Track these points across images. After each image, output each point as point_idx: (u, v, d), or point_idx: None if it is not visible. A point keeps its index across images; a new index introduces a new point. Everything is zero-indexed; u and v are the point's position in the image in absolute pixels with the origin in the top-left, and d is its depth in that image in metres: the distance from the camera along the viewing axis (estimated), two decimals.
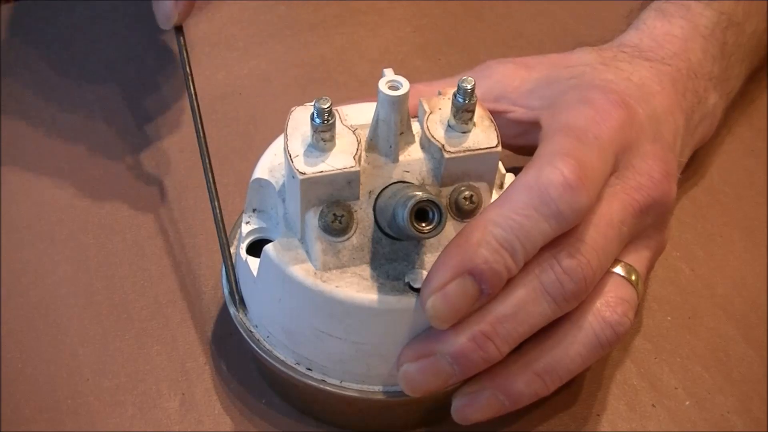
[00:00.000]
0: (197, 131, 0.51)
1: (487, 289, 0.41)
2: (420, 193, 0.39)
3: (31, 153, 0.60)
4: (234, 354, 0.50)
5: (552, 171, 0.42)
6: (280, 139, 0.47)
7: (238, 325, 0.47)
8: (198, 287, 0.53)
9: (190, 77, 0.53)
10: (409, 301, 0.42)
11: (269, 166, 0.47)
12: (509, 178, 0.46)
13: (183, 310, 0.52)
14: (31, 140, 0.61)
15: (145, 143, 0.61)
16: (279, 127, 0.44)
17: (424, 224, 0.40)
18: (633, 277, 0.46)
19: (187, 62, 0.54)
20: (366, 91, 0.59)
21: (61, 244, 0.55)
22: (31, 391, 0.49)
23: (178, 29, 0.56)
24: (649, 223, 0.47)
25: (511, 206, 0.41)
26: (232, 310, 0.47)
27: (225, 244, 0.48)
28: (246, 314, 0.47)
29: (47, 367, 0.50)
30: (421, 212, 0.40)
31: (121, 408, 0.48)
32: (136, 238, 0.56)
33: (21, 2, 0.70)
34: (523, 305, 0.42)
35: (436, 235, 0.40)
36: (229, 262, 0.48)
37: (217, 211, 0.49)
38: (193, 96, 0.53)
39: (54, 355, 0.50)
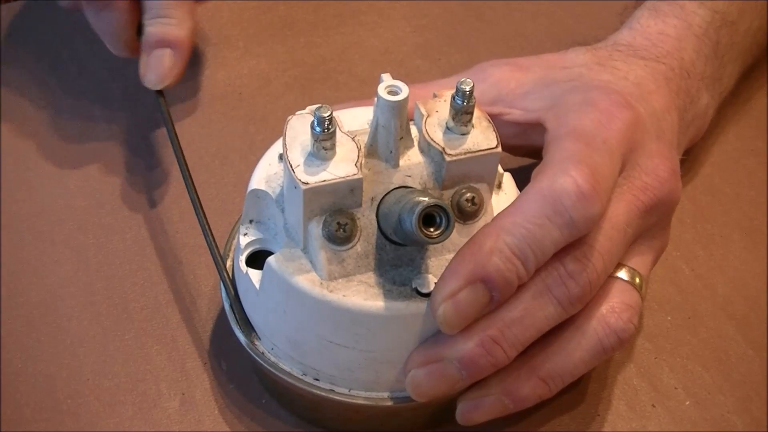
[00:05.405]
0: (191, 195, 0.51)
1: (498, 296, 0.41)
2: (426, 199, 0.39)
3: (31, 153, 0.60)
4: (234, 354, 0.50)
5: (565, 180, 0.42)
6: (274, 148, 0.47)
7: (242, 341, 0.46)
8: (198, 287, 0.53)
9: (175, 139, 0.53)
10: (417, 306, 0.42)
11: (265, 176, 0.46)
12: (507, 177, 0.46)
13: (183, 310, 0.52)
14: (31, 140, 0.61)
15: (145, 143, 0.61)
16: (279, 128, 0.43)
17: (432, 229, 0.39)
18: (637, 281, 0.46)
19: (171, 124, 0.54)
20: (366, 91, 0.59)
21: (61, 244, 0.55)
22: (31, 391, 0.49)
23: (160, 92, 0.56)
24: (654, 222, 0.47)
25: (524, 215, 0.41)
26: (235, 327, 0.47)
27: (220, 263, 0.48)
28: (250, 329, 0.47)
29: (47, 367, 0.50)
30: (428, 217, 0.39)
31: (121, 408, 0.48)
32: (136, 238, 0.56)
33: (21, 2, 0.70)
34: (530, 309, 0.42)
35: (445, 239, 0.40)
36: (227, 278, 0.47)
37: (214, 249, 0.49)
38: (181, 156, 0.52)
39: (54, 355, 0.50)
